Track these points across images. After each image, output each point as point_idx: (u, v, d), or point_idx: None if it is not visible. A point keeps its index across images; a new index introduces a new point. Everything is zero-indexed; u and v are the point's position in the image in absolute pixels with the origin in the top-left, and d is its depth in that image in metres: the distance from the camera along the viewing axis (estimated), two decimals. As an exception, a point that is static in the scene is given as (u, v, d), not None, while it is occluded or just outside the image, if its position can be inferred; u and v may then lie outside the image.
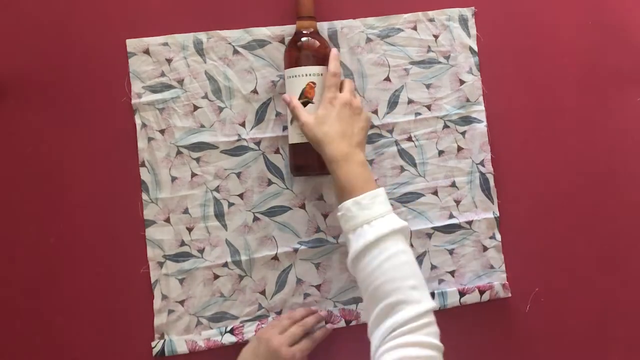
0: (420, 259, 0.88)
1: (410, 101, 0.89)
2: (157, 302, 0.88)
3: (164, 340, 0.86)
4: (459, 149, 0.90)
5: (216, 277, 0.88)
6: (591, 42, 0.87)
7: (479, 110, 0.89)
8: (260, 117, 0.90)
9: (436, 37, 0.88)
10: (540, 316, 0.85)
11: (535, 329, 0.85)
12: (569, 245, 0.87)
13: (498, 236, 0.88)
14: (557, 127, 0.88)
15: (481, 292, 0.85)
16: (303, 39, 0.85)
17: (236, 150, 0.90)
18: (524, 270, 0.86)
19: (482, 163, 0.89)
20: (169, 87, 0.90)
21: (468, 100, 0.89)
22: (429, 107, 0.89)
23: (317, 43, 0.85)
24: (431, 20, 0.88)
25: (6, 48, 0.90)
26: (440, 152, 0.89)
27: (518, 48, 0.88)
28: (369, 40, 0.88)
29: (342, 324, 0.87)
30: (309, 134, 0.79)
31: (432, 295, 0.85)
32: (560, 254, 0.87)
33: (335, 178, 0.76)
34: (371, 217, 0.72)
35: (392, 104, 0.89)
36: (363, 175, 0.76)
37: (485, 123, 0.89)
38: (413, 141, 0.89)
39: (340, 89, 0.81)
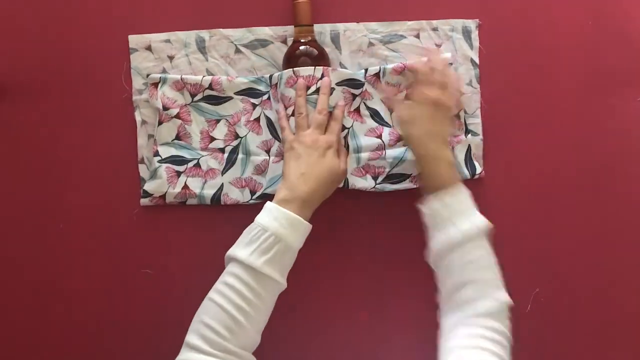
0: None
1: None
2: None
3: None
4: None
5: None
6: (591, 42, 0.88)
7: (475, 123, 0.89)
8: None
9: (438, 46, 0.90)
10: (540, 316, 0.87)
11: (535, 329, 0.87)
12: (569, 245, 0.89)
13: None
14: (556, 127, 0.89)
15: None
16: (302, 47, 0.85)
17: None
18: (524, 270, 0.88)
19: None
20: (171, 84, 0.89)
21: (465, 112, 0.89)
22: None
23: (315, 51, 0.86)
24: (434, 29, 0.89)
25: (7, 45, 0.88)
26: None
27: (519, 56, 0.89)
28: (370, 44, 0.89)
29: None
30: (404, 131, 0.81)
31: None
32: (561, 255, 0.89)
33: (423, 174, 0.79)
34: (455, 215, 0.75)
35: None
36: (449, 173, 0.78)
37: (481, 136, 0.89)
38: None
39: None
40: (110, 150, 0.89)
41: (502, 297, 0.73)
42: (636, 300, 0.89)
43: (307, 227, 0.76)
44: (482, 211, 0.87)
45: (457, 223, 0.74)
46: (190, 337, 0.71)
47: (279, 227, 0.74)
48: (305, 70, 0.83)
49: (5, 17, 0.88)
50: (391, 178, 0.88)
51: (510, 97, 0.89)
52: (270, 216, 0.75)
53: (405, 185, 0.88)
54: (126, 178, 0.89)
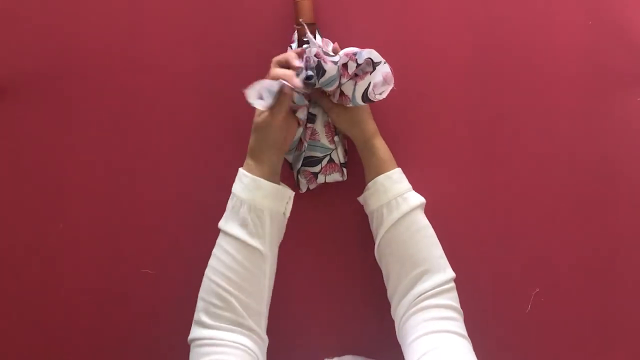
0: None
1: None
2: None
3: None
4: None
5: None
6: (591, 42, 0.88)
7: None
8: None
9: None
10: (540, 316, 0.87)
11: (535, 329, 0.87)
12: (569, 245, 0.89)
13: None
14: (556, 127, 0.89)
15: None
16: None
17: None
18: (524, 270, 0.88)
19: None
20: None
21: None
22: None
23: None
24: None
25: (7, 49, 0.89)
26: None
27: (519, 56, 0.89)
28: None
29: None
30: (346, 110, 0.81)
31: None
32: (561, 255, 0.89)
33: (369, 154, 0.81)
34: (403, 190, 0.79)
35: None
36: (389, 153, 0.82)
37: None
38: None
39: None
40: (110, 152, 0.90)
41: (446, 271, 0.76)
42: (636, 300, 0.89)
43: (249, 177, 0.75)
44: (481, 211, 0.88)
45: (405, 197, 0.78)
46: (196, 314, 0.73)
47: (234, 185, 0.76)
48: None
49: (6, 19, 0.89)
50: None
51: (510, 97, 0.89)
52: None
53: None
54: (125, 179, 0.89)
